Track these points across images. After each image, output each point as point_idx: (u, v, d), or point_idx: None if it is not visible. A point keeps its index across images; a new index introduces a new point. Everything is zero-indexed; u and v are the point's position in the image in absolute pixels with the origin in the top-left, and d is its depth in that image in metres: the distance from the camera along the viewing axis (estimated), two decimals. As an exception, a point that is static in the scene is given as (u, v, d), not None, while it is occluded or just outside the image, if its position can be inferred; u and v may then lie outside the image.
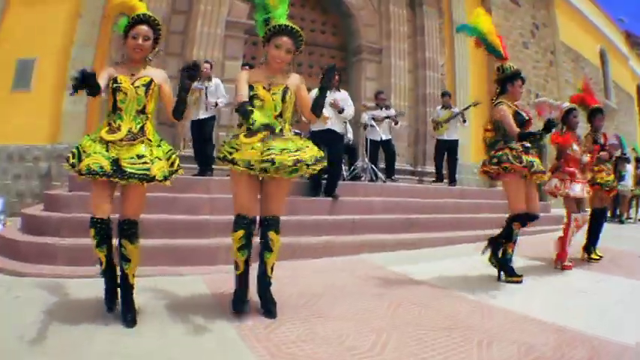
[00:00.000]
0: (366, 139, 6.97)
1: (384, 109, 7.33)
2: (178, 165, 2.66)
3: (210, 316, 2.61)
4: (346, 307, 2.85)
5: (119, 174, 2.39)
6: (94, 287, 2.79)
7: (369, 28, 9.25)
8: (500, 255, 3.68)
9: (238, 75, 2.81)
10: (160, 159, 2.54)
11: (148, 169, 2.44)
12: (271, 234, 2.69)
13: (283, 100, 2.70)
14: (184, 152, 6.78)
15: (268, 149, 2.53)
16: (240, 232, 2.62)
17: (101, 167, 2.37)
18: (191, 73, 2.52)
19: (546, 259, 4.43)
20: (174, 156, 2.66)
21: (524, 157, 3.52)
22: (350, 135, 7.06)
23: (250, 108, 2.48)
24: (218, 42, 7.50)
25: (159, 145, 2.61)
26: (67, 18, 7.16)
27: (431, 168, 8.54)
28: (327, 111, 4.71)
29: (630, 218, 10.43)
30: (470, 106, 7.66)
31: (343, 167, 6.60)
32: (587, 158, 4.38)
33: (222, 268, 3.85)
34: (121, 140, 2.46)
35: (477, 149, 6.59)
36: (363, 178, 6.72)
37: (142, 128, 2.55)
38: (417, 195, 6.42)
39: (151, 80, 2.60)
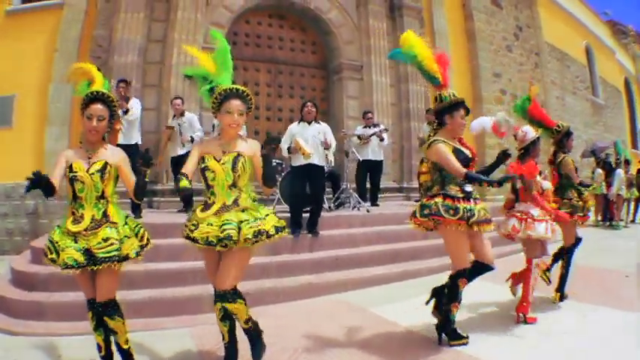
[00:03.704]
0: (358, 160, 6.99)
1: (372, 127, 7.21)
2: (148, 239, 2.69)
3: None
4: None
5: (92, 262, 2.44)
6: (87, 346, 2.89)
7: (349, 45, 9.17)
8: (443, 313, 3.19)
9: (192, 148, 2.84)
10: (128, 237, 2.57)
11: (119, 249, 2.48)
12: (228, 306, 2.61)
13: (234, 169, 2.63)
14: (167, 185, 6.81)
15: (225, 224, 2.52)
16: (218, 305, 2.65)
17: (75, 260, 2.41)
18: (146, 161, 2.62)
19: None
20: (142, 230, 2.69)
21: (462, 206, 2.95)
22: (330, 157, 6.97)
23: (182, 187, 2.55)
24: (195, 70, 7.39)
25: (125, 224, 2.62)
26: (44, 53, 7.11)
27: (417, 184, 8.37)
28: (309, 147, 4.71)
29: (622, 220, 10.53)
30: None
31: (325, 198, 6.54)
32: (549, 184, 3.79)
33: (207, 318, 3.86)
34: (86, 230, 2.47)
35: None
36: (347, 205, 6.65)
37: (104, 213, 2.55)
38: (402, 221, 6.09)
39: (106, 163, 2.56)
